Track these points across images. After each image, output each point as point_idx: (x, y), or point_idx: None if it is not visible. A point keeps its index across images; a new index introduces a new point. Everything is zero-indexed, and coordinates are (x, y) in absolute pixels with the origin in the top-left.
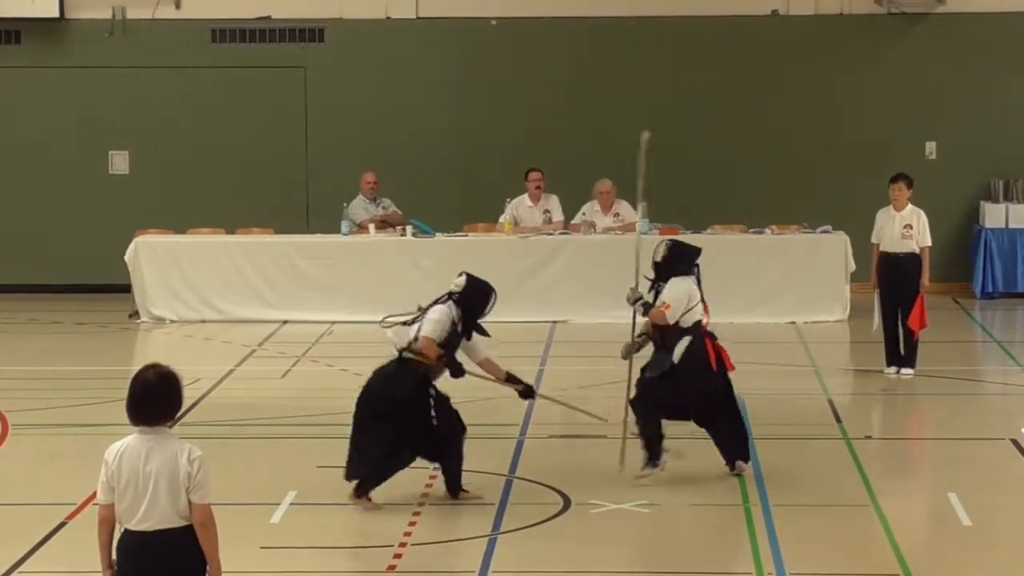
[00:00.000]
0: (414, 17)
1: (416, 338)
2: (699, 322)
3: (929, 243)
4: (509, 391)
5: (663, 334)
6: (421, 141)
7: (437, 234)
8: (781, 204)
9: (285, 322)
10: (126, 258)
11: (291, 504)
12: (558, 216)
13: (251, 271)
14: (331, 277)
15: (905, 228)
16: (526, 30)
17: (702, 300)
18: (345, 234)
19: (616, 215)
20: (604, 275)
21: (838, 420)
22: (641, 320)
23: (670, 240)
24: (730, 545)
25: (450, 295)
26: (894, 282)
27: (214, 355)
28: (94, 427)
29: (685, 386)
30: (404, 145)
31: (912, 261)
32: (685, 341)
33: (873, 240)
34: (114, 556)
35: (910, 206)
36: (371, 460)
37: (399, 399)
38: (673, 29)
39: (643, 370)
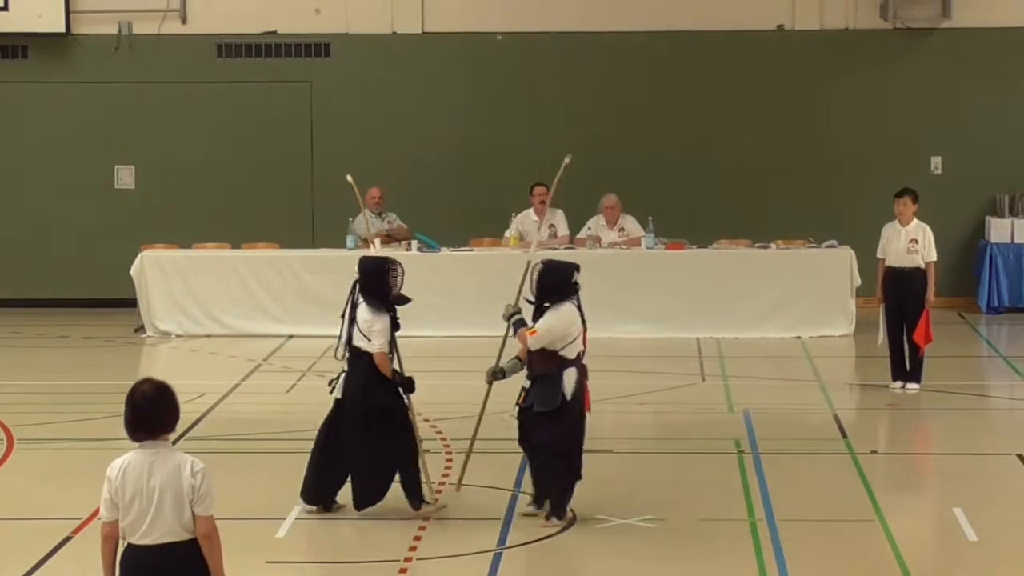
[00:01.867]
0: (420, 32)
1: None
2: (580, 354)
3: (935, 258)
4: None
5: (538, 362)
6: (426, 156)
7: (442, 248)
8: (787, 219)
9: (290, 336)
10: (132, 272)
11: (297, 518)
12: (563, 231)
13: (256, 286)
14: (336, 292)
15: (911, 243)
16: (532, 45)
17: (583, 324)
18: (350, 248)
19: (621, 230)
20: (609, 290)
21: (843, 435)
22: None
23: (542, 262)
24: (736, 561)
25: (355, 285)
26: (899, 297)
27: (219, 370)
28: (101, 441)
29: (575, 424)
30: (409, 160)
31: (917, 276)
32: (573, 374)
33: (879, 255)
34: (118, 572)
35: (915, 221)
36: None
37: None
38: (679, 44)
39: (522, 403)
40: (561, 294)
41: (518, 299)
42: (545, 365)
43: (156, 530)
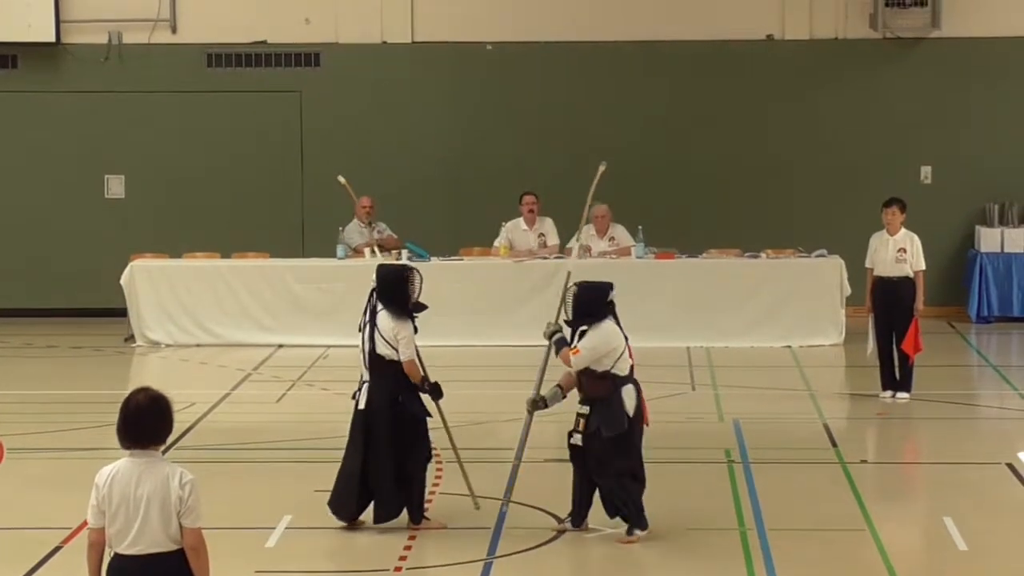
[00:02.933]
0: (409, 42)
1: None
2: (631, 368)
3: (923, 267)
4: (506, 414)
5: (590, 385)
6: (416, 165)
7: (432, 258)
8: (776, 228)
9: (280, 346)
10: (122, 282)
11: (286, 528)
12: (553, 240)
13: (246, 295)
14: (326, 301)
15: (899, 252)
16: (522, 55)
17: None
18: (341, 258)
19: (611, 239)
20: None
21: (833, 444)
22: (555, 359)
23: (576, 284)
24: (726, 570)
25: (373, 293)
26: (889, 306)
27: (209, 379)
28: (90, 451)
29: (636, 444)
30: (399, 169)
31: (906, 285)
32: (631, 391)
33: (867, 264)
34: None
35: (904, 230)
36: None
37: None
38: (669, 54)
39: (584, 430)
40: (597, 314)
41: (559, 316)
42: (599, 387)
43: (142, 540)
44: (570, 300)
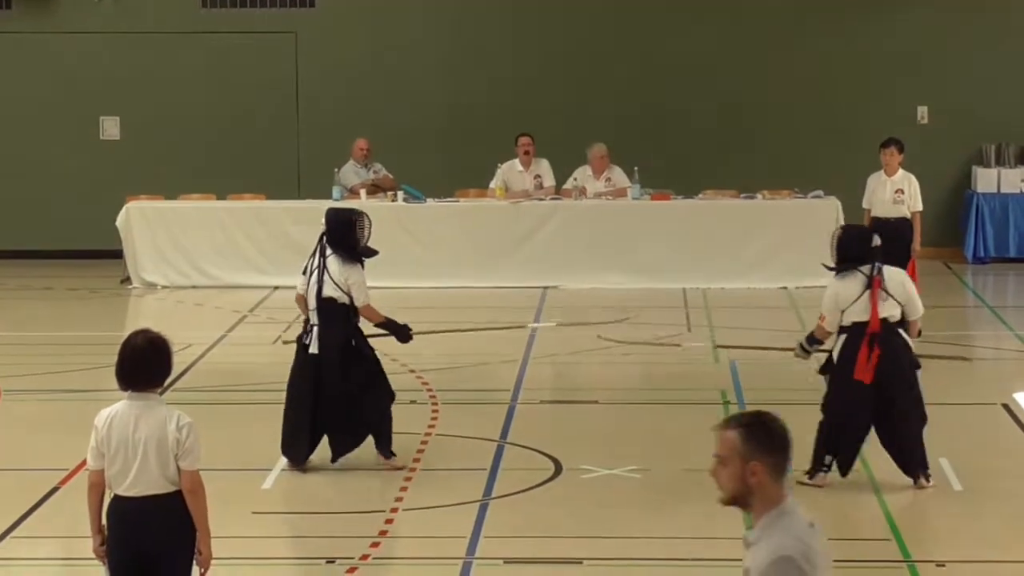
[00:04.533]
0: None
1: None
2: (858, 323)
3: (920, 208)
4: (502, 356)
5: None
6: (412, 106)
7: (428, 200)
8: (773, 169)
9: (276, 288)
10: (117, 224)
11: (283, 470)
12: (549, 181)
13: (242, 237)
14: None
15: (896, 193)
16: None
17: (873, 294)
18: (336, 199)
19: (608, 180)
20: (595, 240)
21: None
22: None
23: (840, 227)
24: (720, 510)
25: (323, 237)
26: (886, 247)
27: (205, 321)
28: (86, 393)
29: (840, 389)
30: (395, 110)
31: (904, 226)
32: (843, 339)
33: (864, 205)
34: (104, 521)
35: (901, 171)
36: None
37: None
38: None
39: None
40: (853, 260)
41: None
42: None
43: (140, 482)
44: (833, 243)
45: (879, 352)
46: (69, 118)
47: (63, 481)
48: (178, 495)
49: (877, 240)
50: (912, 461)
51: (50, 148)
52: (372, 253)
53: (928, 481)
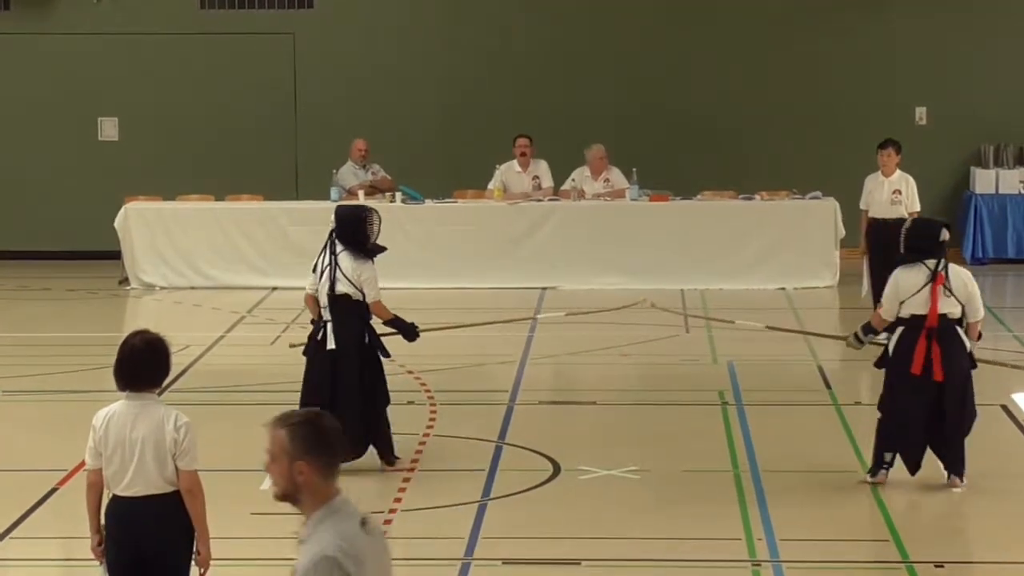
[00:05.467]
0: None
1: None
2: (916, 315)
3: (918, 208)
4: (500, 356)
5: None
6: (410, 107)
7: (426, 200)
8: (771, 170)
9: (274, 288)
10: (116, 224)
11: None
12: (547, 182)
13: (240, 237)
14: (320, 243)
15: (894, 194)
16: None
17: (934, 288)
18: (334, 200)
19: (606, 181)
20: (593, 241)
21: (827, 386)
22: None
23: (911, 220)
24: (719, 511)
25: (332, 234)
26: (883, 248)
27: (203, 321)
28: (84, 393)
29: (894, 386)
30: (393, 111)
31: (901, 227)
32: (897, 333)
33: (862, 206)
34: (102, 521)
35: (899, 172)
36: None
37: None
38: None
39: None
40: (921, 252)
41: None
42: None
43: (138, 482)
44: (902, 233)
45: (938, 348)
46: (67, 119)
47: (61, 482)
48: (176, 495)
49: (946, 234)
50: (957, 460)
51: (48, 149)
52: (381, 250)
53: (962, 482)
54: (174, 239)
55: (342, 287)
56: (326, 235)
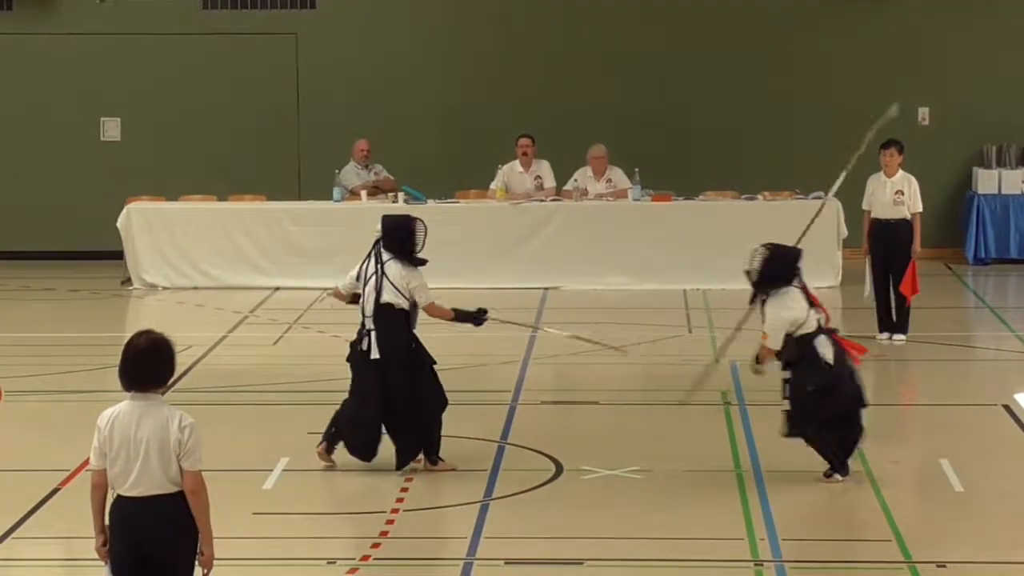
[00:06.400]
0: None
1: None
2: (820, 321)
3: (921, 209)
4: (502, 356)
5: (785, 351)
6: (413, 108)
7: (429, 200)
8: (773, 170)
9: (277, 289)
10: (118, 225)
11: (284, 470)
12: (550, 182)
13: (243, 238)
14: (323, 244)
15: (896, 194)
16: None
17: (811, 304)
18: (337, 200)
19: (609, 181)
20: (596, 241)
21: None
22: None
23: (767, 247)
24: (722, 511)
25: (378, 243)
26: (886, 248)
27: (206, 322)
28: (87, 393)
29: (843, 389)
30: (395, 111)
31: (904, 227)
32: (823, 340)
33: (864, 207)
34: (107, 521)
35: (901, 172)
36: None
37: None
38: None
39: (791, 381)
40: (784, 280)
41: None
42: (795, 350)
43: (143, 482)
44: (757, 262)
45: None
46: (70, 119)
47: (64, 482)
48: (180, 496)
49: (802, 260)
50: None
51: (51, 149)
52: (423, 262)
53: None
54: (177, 239)
55: (388, 296)
56: (371, 243)
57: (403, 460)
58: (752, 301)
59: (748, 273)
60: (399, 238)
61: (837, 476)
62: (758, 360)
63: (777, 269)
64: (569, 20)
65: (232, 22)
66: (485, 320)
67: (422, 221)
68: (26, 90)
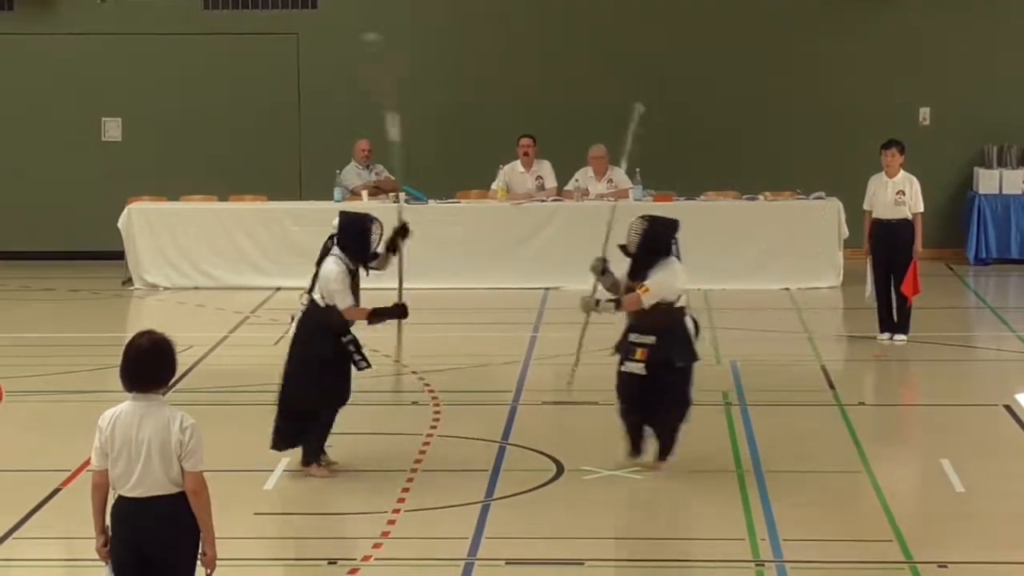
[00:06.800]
0: None
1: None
2: (683, 308)
3: (922, 209)
4: (503, 357)
5: (655, 316)
6: (413, 107)
7: (430, 200)
8: (774, 170)
9: (278, 289)
10: (119, 225)
11: (284, 471)
12: (551, 182)
13: (244, 238)
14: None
15: (898, 194)
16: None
17: None
18: (338, 200)
19: (610, 181)
20: (597, 242)
21: (831, 386)
22: (601, 288)
23: (646, 218)
24: (723, 511)
25: (332, 239)
26: (887, 248)
27: (207, 322)
28: (88, 394)
29: (692, 379)
30: (397, 111)
31: (905, 227)
32: (690, 323)
33: (865, 207)
34: (108, 522)
35: (902, 172)
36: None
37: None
38: None
39: (648, 359)
40: (667, 250)
41: (604, 250)
42: (667, 319)
43: (144, 483)
44: (639, 231)
45: None
46: (71, 119)
47: (65, 482)
48: (181, 496)
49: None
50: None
51: (52, 149)
52: (375, 256)
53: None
54: (178, 239)
55: (315, 291)
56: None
57: (272, 441)
58: (631, 275)
59: (625, 247)
60: (352, 235)
61: (671, 458)
62: (617, 306)
63: (657, 241)
64: (569, 20)
65: (233, 22)
66: (406, 312)
67: (379, 222)
68: (27, 90)
